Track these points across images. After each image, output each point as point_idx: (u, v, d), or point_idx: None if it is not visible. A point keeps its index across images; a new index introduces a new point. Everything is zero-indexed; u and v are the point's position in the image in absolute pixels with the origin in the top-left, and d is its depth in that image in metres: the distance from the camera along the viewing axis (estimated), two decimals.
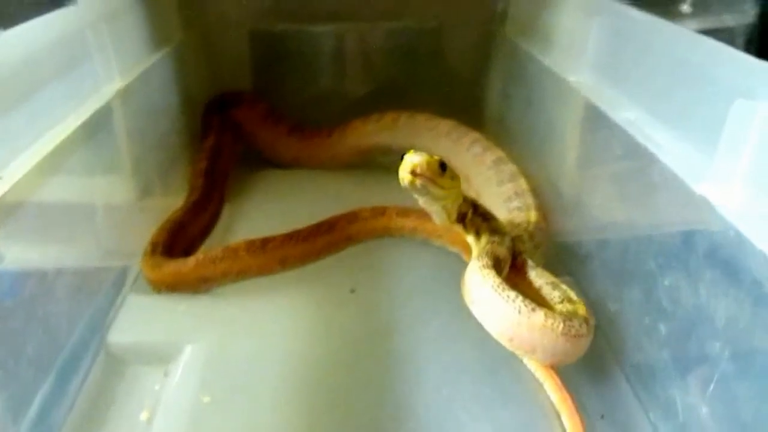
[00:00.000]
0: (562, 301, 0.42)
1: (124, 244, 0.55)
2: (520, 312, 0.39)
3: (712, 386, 0.32)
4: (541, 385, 0.42)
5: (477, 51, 0.76)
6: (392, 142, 0.69)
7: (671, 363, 0.37)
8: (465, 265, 0.53)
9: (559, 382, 0.41)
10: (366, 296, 0.52)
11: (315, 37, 0.77)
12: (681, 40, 0.41)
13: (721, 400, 0.31)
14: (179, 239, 0.56)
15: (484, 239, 0.46)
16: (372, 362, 0.46)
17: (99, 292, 0.51)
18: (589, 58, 0.52)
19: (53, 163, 0.42)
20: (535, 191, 0.56)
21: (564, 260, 0.54)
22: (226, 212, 0.65)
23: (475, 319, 0.47)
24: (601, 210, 0.50)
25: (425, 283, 0.53)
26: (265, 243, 0.52)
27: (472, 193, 0.60)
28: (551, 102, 0.60)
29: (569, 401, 0.40)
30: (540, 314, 0.38)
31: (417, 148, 0.67)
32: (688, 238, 0.35)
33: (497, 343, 0.45)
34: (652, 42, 0.44)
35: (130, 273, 0.54)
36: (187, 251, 0.56)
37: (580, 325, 0.39)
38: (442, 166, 0.42)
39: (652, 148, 0.40)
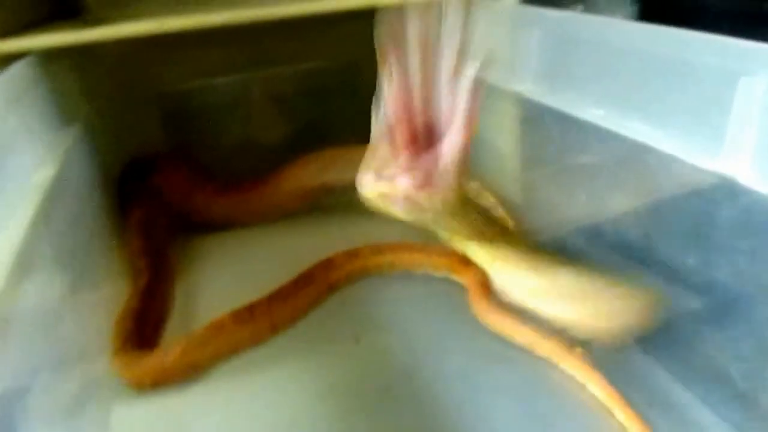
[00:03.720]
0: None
1: (75, 346, 0.48)
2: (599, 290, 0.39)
3: None
4: (583, 387, 0.43)
5: None
6: (336, 179, 0.67)
7: (716, 336, 0.38)
8: (455, 286, 0.53)
9: (603, 379, 0.42)
10: (372, 343, 0.49)
11: (225, 89, 0.73)
12: (633, 33, 0.43)
13: None
14: (146, 328, 0.50)
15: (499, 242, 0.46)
16: (405, 409, 0.43)
17: (72, 411, 0.44)
18: (534, 66, 0.53)
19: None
20: (504, 202, 0.57)
21: None
22: (177, 288, 0.59)
23: (495, 338, 0.47)
24: (585, 207, 0.51)
25: (426, 314, 0.52)
26: (252, 310, 0.48)
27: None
28: (495, 116, 0.61)
29: (618, 396, 0.41)
30: (617, 288, 0.39)
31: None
32: (709, 214, 0.37)
33: (525, 359, 0.45)
34: (602, 39, 0.46)
35: (96, 379, 0.47)
36: (155, 339, 0.50)
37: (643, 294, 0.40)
38: None
39: (640, 138, 0.42)
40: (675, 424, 0.40)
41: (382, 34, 0.39)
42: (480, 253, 0.49)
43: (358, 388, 0.46)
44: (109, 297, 0.54)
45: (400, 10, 0.40)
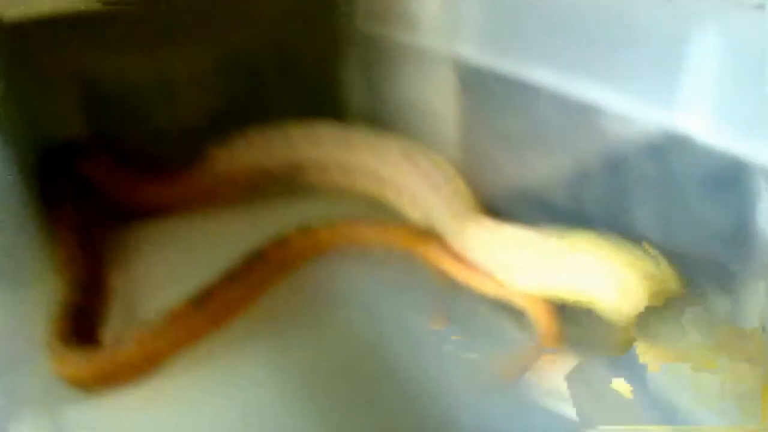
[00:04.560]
0: None
1: (9, 351, 0.45)
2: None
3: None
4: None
5: (328, 53, 0.74)
6: (269, 158, 0.64)
7: None
8: (413, 260, 0.53)
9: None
10: (334, 319, 0.48)
11: (145, 68, 0.68)
12: None
13: None
14: (86, 324, 0.46)
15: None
16: (373, 382, 0.43)
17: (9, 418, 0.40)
18: (474, 28, 0.53)
19: None
20: (451, 164, 0.57)
21: None
22: (114, 282, 0.54)
23: (456, 305, 0.47)
24: (532, 171, 0.52)
25: (386, 288, 0.51)
26: (210, 294, 0.45)
27: (388, 187, 0.59)
28: (432, 81, 0.60)
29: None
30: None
31: (299, 160, 0.65)
32: (664, 172, 0.39)
33: (487, 320, 0.46)
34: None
35: (36, 384, 0.43)
36: (97, 336, 0.46)
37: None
38: None
39: (588, 99, 0.43)
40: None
41: None
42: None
43: (323, 365, 0.44)
44: (42, 297, 0.50)
45: None
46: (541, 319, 0.44)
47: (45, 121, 0.63)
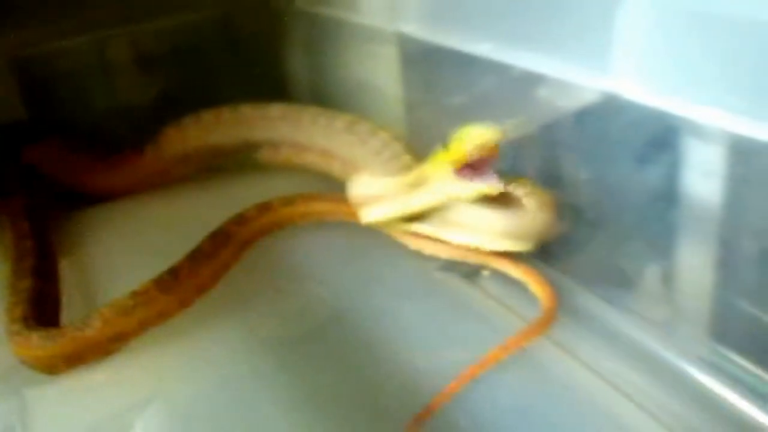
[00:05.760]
0: None
1: None
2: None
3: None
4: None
5: (269, 32, 0.74)
6: (221, 139, 0.65)
7: (609, 239, 0.43)
8: (369, 230, 0.54)
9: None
10: (297, 292, 0.49)
11: (86, 50, 0.67)
12: None
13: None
14: (45, 308, 0.47)
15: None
16: (338, 350, 0.44)
17: None
18: (416, 5, 0.55)
19: None
20: (399, 139, 0.59)
21: None
22: (67, 268, 0.54)
23: (413, 273, 0.50)
24: None
25: (344, 259, 0.53)
26: (175, 274, 0.46)
27: (337, 163, 0.60)
28: (375, 58, 0.62)
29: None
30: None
31: (252, 141, 0.66)
32: (599, 130, 0.41)
33: (444, 287, 0.48)
34: None
35: None
36: (56, 319, 0.47)
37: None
38: None
39: (528, 66, 0.45)
40: (583, 324, 0.43)
41: None
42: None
43: (289, 337, 0.46)
44: None
45: None
46: (542, 293, 0.44)
47: None
